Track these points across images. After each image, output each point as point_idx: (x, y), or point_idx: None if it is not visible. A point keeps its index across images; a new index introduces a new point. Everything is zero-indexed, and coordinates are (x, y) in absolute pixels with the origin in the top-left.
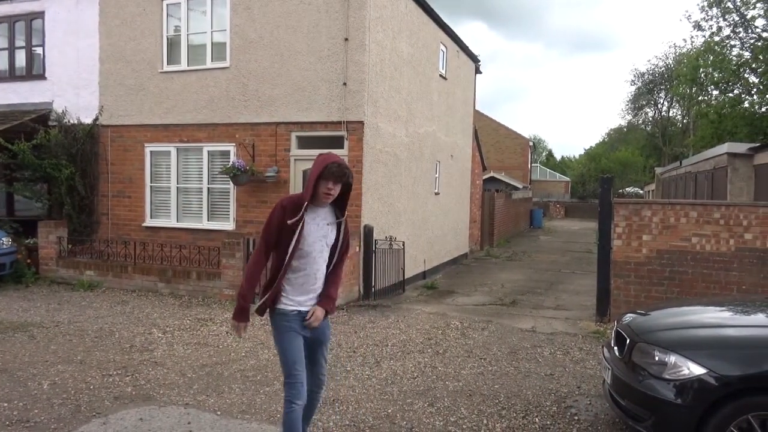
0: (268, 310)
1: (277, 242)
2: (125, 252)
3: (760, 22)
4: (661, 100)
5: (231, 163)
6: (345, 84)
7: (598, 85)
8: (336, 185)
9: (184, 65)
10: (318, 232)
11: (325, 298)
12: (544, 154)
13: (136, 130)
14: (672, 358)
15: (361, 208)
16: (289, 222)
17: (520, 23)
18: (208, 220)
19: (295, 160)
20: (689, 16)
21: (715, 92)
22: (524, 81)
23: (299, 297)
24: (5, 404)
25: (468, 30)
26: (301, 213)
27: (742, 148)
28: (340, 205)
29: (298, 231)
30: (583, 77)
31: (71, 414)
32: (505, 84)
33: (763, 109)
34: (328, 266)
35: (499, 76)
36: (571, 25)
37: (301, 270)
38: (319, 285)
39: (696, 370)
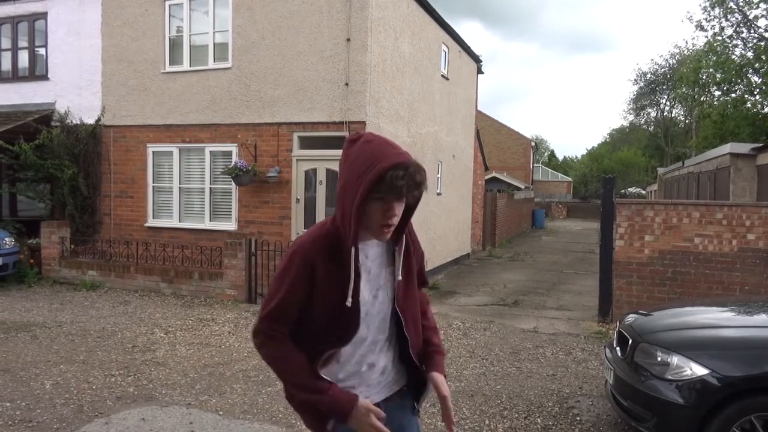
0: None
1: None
2: (127, 252)
3: (762, 22)
4: (664, 100)
5: (233, 163)
6: (347, 84)
7: (600, 85)
8: (401, 206)
9: (186, 66)
10: (371, 283)
11: (435, 354)
12: (546, 154)
13: (139, 130)
14: (674, 359)
15: None
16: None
17: (516, 23)
18: (210, 221)
19: (297, 160)
20: (691, 17)
21: (718, 93)
22: (524, 81)
23: (365, 385)
24: (8, 404)
25: (464, 30)
26: (351, 264)
27: (744, 148)
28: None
29: (352, 298)
30: (584, 77)
31: (74, 414)
32: (505, 84)
33: (766, 110)
34: (405, 330)
35: (498, 76)
36: (567, 25)
37: (360, 344)
38: (386, 362)
39: (698, 370)
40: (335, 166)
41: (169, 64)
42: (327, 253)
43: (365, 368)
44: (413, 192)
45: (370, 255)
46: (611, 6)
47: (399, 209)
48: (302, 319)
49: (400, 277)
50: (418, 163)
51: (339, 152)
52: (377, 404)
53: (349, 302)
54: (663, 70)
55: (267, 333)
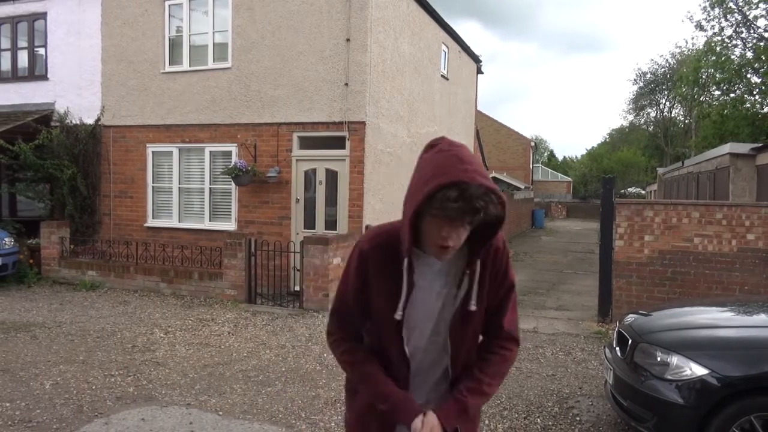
0: None
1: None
2: (127, 252)
3: (762, 22)
4: (663, 100)
5: (233, 163)
6: (347, 84)
7: (599, 85)
8: (459, 230)
9: (186, 66)
10: (430, 302)
11: (457, 396)
12: (545, 154)
13: (138, 130)
14: (674, 359)
15: (362, 208)
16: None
17: (514, 23)
18: (209, 221)
19: (296, 160)
20: (691, 17)
21: (717, 93)
22: (523, 81)
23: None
24: (7, 404)
25: (463, 30)
26: (406, 274)
27: (744, 148)
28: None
29: (402, 311)
30: (583, 77)
31: (73, 414)
32: (505, 84)
33: (766, 110)
34: (451, 364)
35: (497, 76)
36: (566, 25)
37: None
38: (439, 390)
39: (698, 370)
40: (335, 166)
41: (169, 64)
42: (382, 254)
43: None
44: (467, 218)
45: (430, 269)
46: (609, 5)
47: (456, 232)
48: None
49: (473, 307)
50: (486, 185)
51: (339, 152)
52: None
53: (398, 315)
54: (663, 70)
55: (338, 334)
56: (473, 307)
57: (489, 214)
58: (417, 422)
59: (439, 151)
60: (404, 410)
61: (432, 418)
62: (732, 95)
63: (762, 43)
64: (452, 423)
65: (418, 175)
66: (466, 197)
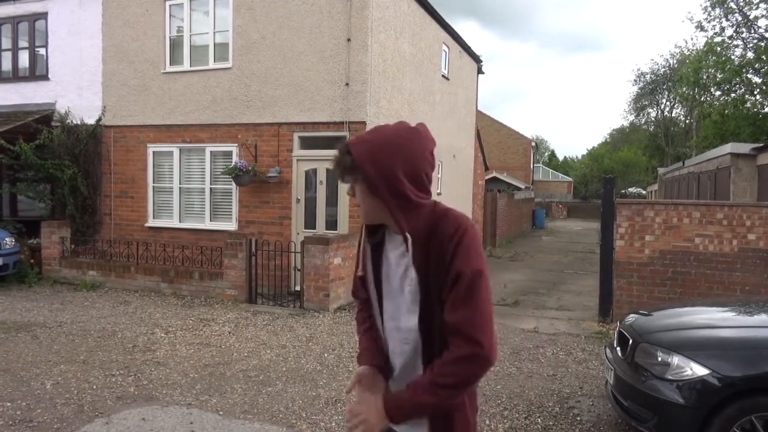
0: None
1: None
2: (128, 252)
3: (763, 22)
4: (664, 100)
5: (233, 163)
6: (347, 84)
7: (599, 85)
8: (355, 188)
9: (186, 66)
10: (398, 274)
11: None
12: (546, 154)
13: (139, 130)
14: (675, 359)
15: None
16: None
17: (512, 23)
18: (210, 221)
19: (297, 160)
20: (691, 17)
21: (718, 93)
22: (523, 81)
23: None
24: (8, 404)
25: (462, 30)
26: (360, 238)
27: (745, 148)
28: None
29: (363, 272)
30: (583, 77)
31: (74, 414)
32: (504, 84)
33: (766, 109)
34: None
35: (497, 76)
36: (564, 24)
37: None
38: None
39: (699, 370)
40: None
41: (170, 64)
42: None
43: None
44: (342, 175)
45: (396, 244)
46: (607, 5)
47: (356, 192)
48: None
49: (407, 287)
50: (345, 145)
51: None
52: None
53: (360, 272)
54: (663, 70)
55: (357, 304)
56: (407, 287)
57: (342, 170)
58: (363, 370)
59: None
60: (361, 356)
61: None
62: (733, 95)
63: (763, 44)
64: (385, 411)
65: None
66: (337, 156)
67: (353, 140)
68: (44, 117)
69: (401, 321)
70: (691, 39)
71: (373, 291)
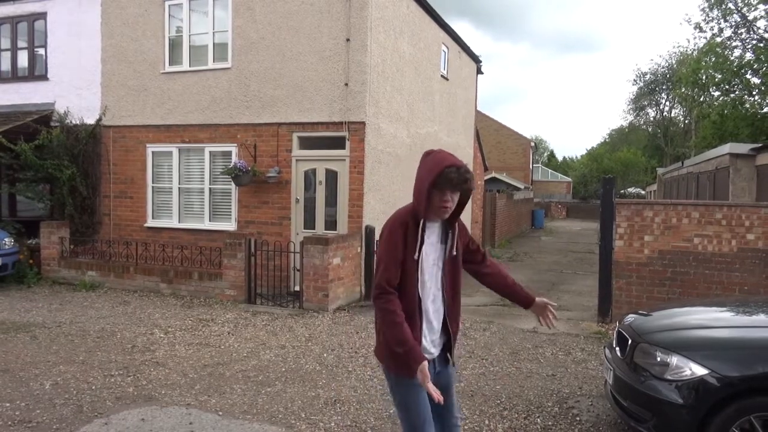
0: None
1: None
2: (127, 252)
3: (762, 23)
4: (663, 101)
5: (233, 163)
6: (347, 84)
7: (596, 85)
8: (454, 195)
9: (185, 66)
10: (433, 254)
11: (519, 288)
12: (545, 154)
13: (138, 130)
14: (674, 359)
15: (362, 208)
16: (407, 244)
17: (505, 23)
18: (209, 221)
19: (296, 160)
20: (689, 19)
21: (717, 93)
22: (520, 81)
23: (426, 340)
24: (7, 404)
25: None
26: (419, 232)
27: (744, 148)
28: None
29: (419, 256)
30: (582, 77)
31: (73, 414)
32: (501, 84)
33: (765, 110)
34: (445, 294)
35: (493, 76)
36: (556, 25)
37: (427, 296)
38: (438, 323)
39: (698, 370)
40: (335, 167)
41: (169, 65)
42: (411, 220)
43: (429, 326)
44: (462, 186)
45: (434, 230)
46: (599, 4)
47: (453, 197)
48: (400, 276)
49: (455, 252)
50: (466, 167)
51: (339, 152)
52: (434, 358)
53: (416, 255)
54: (662, 70)
55: (383, 288)
56: (455, 252)
57: (469, 185)
58: (425, 365)
59: (435, 153)
60: (414, 354)
61: (538, 300)
62: (732, 96)
63: (762, 44)
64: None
65: (425, 168)
66: (461, 172)
67: (463, 165)
68: (43, 117)
69: (438, 284)
70: (693, 39)
71: (419, 268)
